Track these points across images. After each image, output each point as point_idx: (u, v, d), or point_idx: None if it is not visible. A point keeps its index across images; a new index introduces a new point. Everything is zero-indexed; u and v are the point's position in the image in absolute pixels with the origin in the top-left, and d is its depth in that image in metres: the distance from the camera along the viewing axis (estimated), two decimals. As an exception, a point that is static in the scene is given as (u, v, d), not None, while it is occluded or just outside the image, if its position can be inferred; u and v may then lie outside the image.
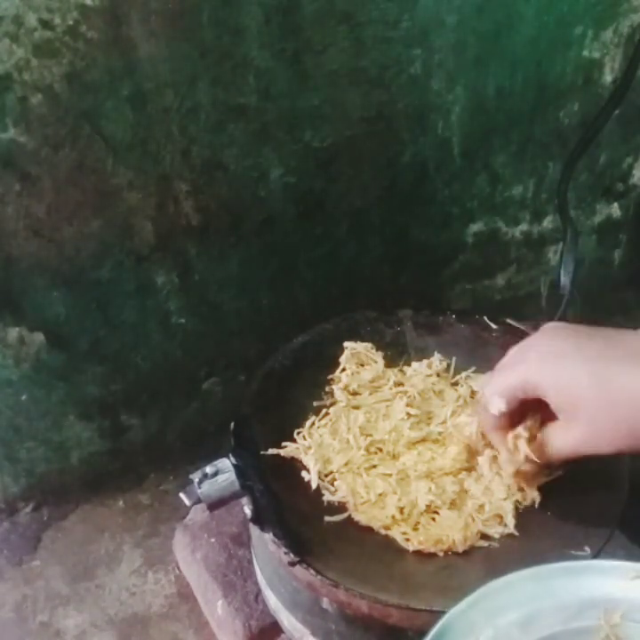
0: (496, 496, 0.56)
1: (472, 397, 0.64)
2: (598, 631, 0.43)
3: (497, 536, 0.55)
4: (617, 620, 0.43)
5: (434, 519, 0.56)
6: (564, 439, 0.47)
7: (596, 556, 0.52)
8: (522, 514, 0.56)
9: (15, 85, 0.63)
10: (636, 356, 0.43)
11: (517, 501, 0.56)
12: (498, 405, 0.49)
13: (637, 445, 0.43)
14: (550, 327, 0.49)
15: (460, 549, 0.54)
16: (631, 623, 0.43)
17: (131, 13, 0.64)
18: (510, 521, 0.55)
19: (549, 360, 0.45)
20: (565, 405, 0.45)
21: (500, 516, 0.56)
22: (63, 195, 0.69)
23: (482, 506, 0.56)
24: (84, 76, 0.65)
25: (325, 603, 0.55)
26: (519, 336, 0.68)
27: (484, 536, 0.55)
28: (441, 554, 0.54)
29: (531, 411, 0.50)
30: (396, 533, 0.55)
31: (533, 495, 0.57)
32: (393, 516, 0.56)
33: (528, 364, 0.47)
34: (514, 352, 0.50)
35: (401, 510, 0.56)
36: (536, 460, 0.50)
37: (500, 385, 0.49)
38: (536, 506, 0.56)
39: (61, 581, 0.80)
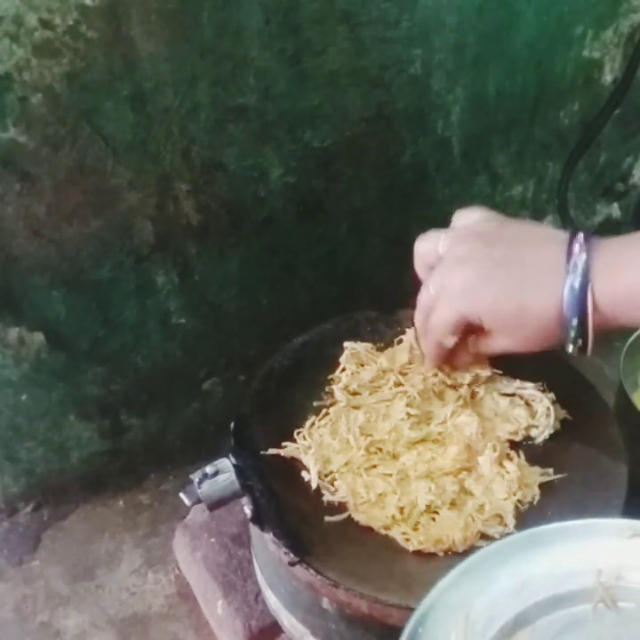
0: (496, 496, 0.56)
1: (472, 398, 0.64)
2: (593, 593, 0.42)
3: (497, 536, 0.55)
4: (612, 581, 0.42)
5: (434, 519, 0.56)
6: (494, 345, 0.56)
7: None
8: (522, 514, 0.56)
9: (15, 85, 0.63)
10: (543, 278, 0.51)
11: (518, 501, 0.56)
12: (451, 340, 0.57)
13: (547, 346, 0.54)
14: (461, 251, 0.55)
15: (460, 549, 0.54)
16: (627, 584, 0.42)
17: (131, 13, 0.64)
18: (510, 521, 0.55)
19: (475, 293, 0.53)
20: (493, 326, 0.54)
21: (501, 516, 0.56)
22: (63, 195, 0.69)
23: (482, 506, 0.56)
24: (83, 75, 0.65)
25: (325, 603, 0.55)
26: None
27: (484, 536, 0.55)
28: (441, 554, 0.54)
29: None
30: (396, 533, 0.55)
31: (534, 492, 0.57)
32: (393, 516, 0.55)
33: (460, 298, 0.54)
34: (435, 284, 0.56)
35: (401, 510, 0.56)
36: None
37: (444, 322, 0.56)
38: (535, 503, 0.57)
39: (61, 581, 0.80)
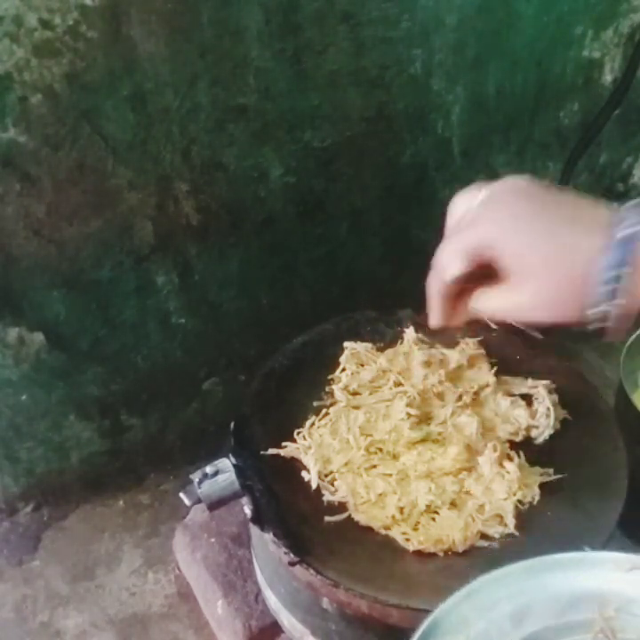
0: (496, 496, 0.56)
1: (474, 399, 0.64)
2: (592, 624, 0.42)
3: (497, 536, 0.55)
4: (611, 613, 0.42)
5: (434, 519, 0.56)
6: (502, 301, 0.46)
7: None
8: (522, 514, 0.56)
9: (15, 85, 0.63)
10: (596, 226, 0.43)
11: (518, 501, 0.56)
12: (457, 266, 0.46)
13: (563, 313, 0.44)
14: (507, 189, 0.47)
15: (460, 549, 0.54)
16: (626, 616, 0.42)
17: (131, 13, 0.64)
18: (510, 521, 0.55)
19: (506, 221, 0.45)
20: (517, 268, 0.44)
21: (500, 516, 0.56)
22: (63, 195, 0.69)
23: (482, 506, 0.56)
24: (83, 76, 0.65)
25: (325, 603, 0.55)
26: (519, 336, 0.68)
27: (484, 536, 0.55)
28: (441, 554, 0.54)
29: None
30: (396, 533, 0.55)
31: (534, 492, 0.57)
32: (393, 516, 0.56)
33: (485, 224, 0.45)
34: (471, 211, 0.47)
35: (401, 510, 0.56)
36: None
37: (458, 245, 0.46)
38: (535, 503, 0.57)
39: (61, 581, 0.80)
